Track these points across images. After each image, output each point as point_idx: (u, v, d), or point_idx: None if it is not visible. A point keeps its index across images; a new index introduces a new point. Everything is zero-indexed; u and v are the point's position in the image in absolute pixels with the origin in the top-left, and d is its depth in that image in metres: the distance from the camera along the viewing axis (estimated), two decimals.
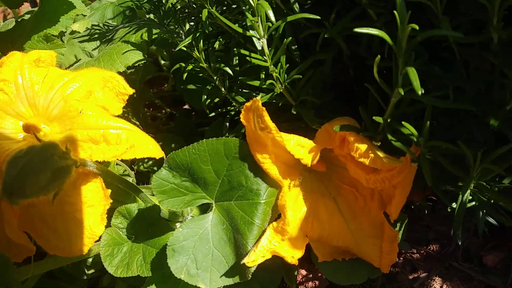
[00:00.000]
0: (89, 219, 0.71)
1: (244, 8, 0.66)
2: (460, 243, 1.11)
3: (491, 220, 0.78)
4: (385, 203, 0.78)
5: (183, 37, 1.04)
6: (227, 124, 0.90)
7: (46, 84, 0.76)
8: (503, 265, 1.04)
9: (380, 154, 0.66)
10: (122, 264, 0.85)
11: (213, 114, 0.89)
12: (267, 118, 0.63)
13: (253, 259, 0.67)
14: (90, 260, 1.02)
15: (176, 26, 1.07)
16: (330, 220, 0.82)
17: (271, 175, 0.71)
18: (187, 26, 1.11)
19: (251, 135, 0.69)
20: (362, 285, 1.14)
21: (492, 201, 0.71)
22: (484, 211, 0.73)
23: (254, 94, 0.80)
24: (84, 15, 1.37)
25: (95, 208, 0.72)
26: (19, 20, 0.88)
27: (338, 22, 0.71)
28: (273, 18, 0.62)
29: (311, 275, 1.19)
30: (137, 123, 1.54)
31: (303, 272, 1.21)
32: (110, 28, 1.06)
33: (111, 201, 0.75)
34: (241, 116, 0.68)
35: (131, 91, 0.83)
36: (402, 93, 0.56)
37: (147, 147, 0.76)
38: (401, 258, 1.16)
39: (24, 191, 0.47)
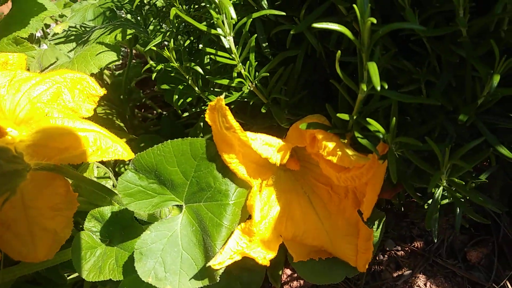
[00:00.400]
0: (55, 223, 0.70)
1: (208, 6, 0.64)
2: (438, 240, 1.11)
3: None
4: (359, 201, 0.76)
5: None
6: (201, 124, 0.89)
7: (12, 86, 0.75)
8: (487, 261, 1.02)
9: (349, 151, 0.64)
10: (95, 268, 0.84)
11: (186, 114, 0.87)
12: (230, 117, 0.62)
13: (220, 261, 0.66)
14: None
15: (158, 26, 1.06)
16: (304, 219, 0.81)
17: (238, 175, 0.69)
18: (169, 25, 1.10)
19: (218, 135, 0.67)
20: (346, 283, 1.13)
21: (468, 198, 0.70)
22: (460, 207, 0.72)
23: (227, 93, 0.79)
24: (63, 16, 1.35)
25: (61, 212, 0.71)
26: None
27: (307, 16, 0.70)
28: (234, 15, 0.60)
29: (295, 275, 1.17)
30: (122, 124, 1.53)
31: (288, 271, 1.20)
32: (87, 29, 1.04)
33: (79, 204, 0.73)
34: (206, 115, 0.66)
35: (102, 92, 0.82)
36: (365, 89, 0.55)
37: (116, 149, 0.74)
38: (385, 256, 1.14)
39: None
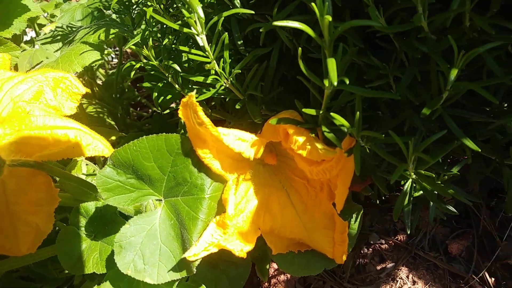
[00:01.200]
0: (37, 218, 0.72)
1: (180, 5, 0.66)
2: (421, 233, 1.12)
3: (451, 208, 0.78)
4: (334, 194, 0.78)
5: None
6: (182, 121, 0.91)
7: None
8: (467, 253, 1.04)
9: (318, 145, 0.66)
10: (79, 262, 0.86)
11: (167, 111, 0.89)
12: (201, 113, 0.64)
13: (194, 252, 0.68)
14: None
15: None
16: (282, 213, 0.83)
17: (213, 170, 0.71)
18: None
19: (191, 130, 0.69)
20: (332, 276, 1.15)
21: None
22: (432, 200, 0.73)
23: (205, 90, 0.81)
24: (54, 16, 1.37)
25: (43, 207, 0.73)
26: None
27: (277, 15, 0.71)
28: (202, 15, 0.62)
29: None
30: (112, 123, 1.55)
31: (275, 265, 1.22)
32: (73, 29, 1.06)
33: (60, 200, 0.76)
34: (179, 112, 0.68)
35: (84, 90, 0.84)
36: (327, 84, 0.56)
37: (96, 145, 0.76)
38: (370, 249, 1.16)
39: None
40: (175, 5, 0.86)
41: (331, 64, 0.52)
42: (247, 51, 0.79)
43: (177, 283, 0.78)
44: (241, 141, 0.69)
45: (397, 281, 1.06)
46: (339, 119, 0.60)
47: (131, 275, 0.72)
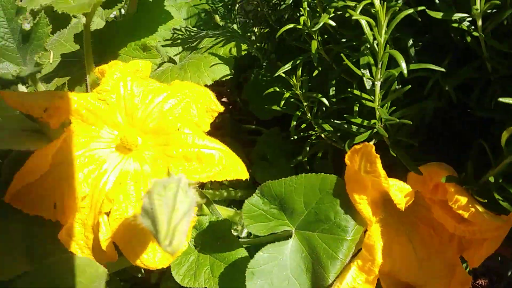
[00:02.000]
0: None
1: (365, 51, 0.66)
2: (504, 281, 1.13)
3: None
4: (464, 247, 0.79)
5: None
6: (308, 148, 0.91)
7: (145, 97, 0.77)
8: None
9: (480, 209, 0.66)
10: (189, 274, 0.87)
11: (295, 137, 0.90)
12: (379, 165, 0.64)
13: None
14: None
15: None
16: (402, 257, 0.83)
17: (364, 214, 0.71)
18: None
19: (352, 175, 0.70)
20: None
21: None
22: None
23: (346, 126, 0.80)
24: None
25: None
26: (109, 21, 0.88)
27: (458, 72, 0.70)
28: (405, 70, 0.62)
29: None
30: None
31: None
32: (192, 33, 1.05)
33: (197, 217, 0.77)
34: (346, 156, 0.68)
35: (221, 108, 0.83)
36: None
37: (236, 168, 0.76)
38: None
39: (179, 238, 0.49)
40: (326, 36, 0.85)
41: None
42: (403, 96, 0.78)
43: None
44: (399, 192, 0.69)
45: None
46: None
47: None
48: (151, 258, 0.73)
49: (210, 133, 1.69)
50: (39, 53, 0.83)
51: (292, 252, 0.76)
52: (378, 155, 0.64)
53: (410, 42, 0.70)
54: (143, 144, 0.78)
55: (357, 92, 0.71)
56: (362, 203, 0.70)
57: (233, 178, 0.77)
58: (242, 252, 0.86)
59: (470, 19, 0.63)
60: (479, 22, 0.61)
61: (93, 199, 0.72)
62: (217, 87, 1.81)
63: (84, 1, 0.80)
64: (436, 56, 0.72)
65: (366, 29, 0.62)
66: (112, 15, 1.13)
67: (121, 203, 0.72)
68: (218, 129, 1.58)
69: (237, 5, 1.22)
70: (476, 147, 0.68)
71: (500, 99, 0.53)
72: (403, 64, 0.61)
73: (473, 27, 0.63)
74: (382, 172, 0.64)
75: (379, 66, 0.65)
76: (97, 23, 1.04)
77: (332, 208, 0.73)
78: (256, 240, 0.87)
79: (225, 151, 0.77)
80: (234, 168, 0.76)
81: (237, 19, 1.22)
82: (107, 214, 0.72)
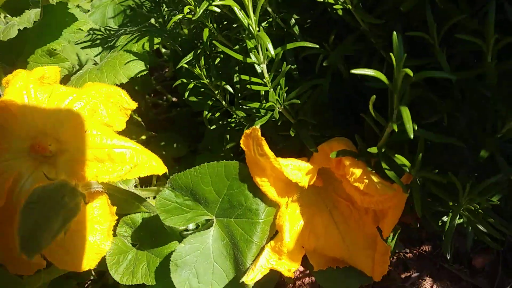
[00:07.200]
0: (96, 236, 0.75)
1: (244, 35, 0.67)
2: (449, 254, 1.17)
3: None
4: (379, 218, 0.81)
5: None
6: (228, 136, 0.93)
7: (51, 103, 0.78)
8: (491, 268, 1.09)
9: (375, 179, 0.69)
10: (128, 272, 0.89)
11: (214, 127, 0.91)
12: (266, 147, 0.66)
13: (252, 277, 0.71)
14: None
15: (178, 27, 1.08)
16: (326, 233, 0.86)
17: (269, 196, 0.74)
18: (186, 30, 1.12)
19: (251, 159, 0.72)
20: None
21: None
22: (472, 229, 0.77)
23: (254, 111, 0.82)
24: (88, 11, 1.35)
25: (101, 225, 0.76)
26: (21, 29, 0.89)
27: (338, 46, 0.72)
28: (272, 52, 0.63)
29: (307, 271, 1.24)
30: (139, 119, 1.56)
31: (301, 268, 1.26)
32: (112, 32, 1.06)
33: (117, 217, 0.78)
34: (241, 142, 0.70)
35: (134, 105, 0.85)
36: (396, 129, 0.58)
37: (151, 164, 0.78)
38: (394, 257, 1.21)
39: (39, 245, 0.50)
40: (225, 22, 0.86)
41: (406, 114, 0.54)
42: (298, 75, 0.80)
43: None
44: (297, 171, 0.71)
45: None
46: (401, 159, 0.62)
47: None
48: (75, 261, 0.76)
49: (163, 128, 1.68)
50: None
51: (214, 240, 0.79)
52: (263, 138, 0.65)
53: (293, 20, 0.71)
54: (56, 151, 0.79)
55: (245, 77, 0.72)
56: (265, 185, 0.72)
57: (148, 174, 0.79)
58: (175, 245, 0.88)
59: None
60: None
61: (8, 211, 0.74)
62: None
63: None
64: (324, 33, 0.73)
65: (238, 13, 0.63)
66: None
67: None
68: (172, 124, 1.59)
69: None
70: (366, 120, 0.69)
71: (353, 71, 0.55)
72: (269, 46, 0.62)
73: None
74: (270, 154, 0.66)
75: (259, 49, 0.66)
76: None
77: (242, 193, 0.75)
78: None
79: (136, 148, 0.78)
80: (149, 164, 0.78)
81: (169, 12, 1.22)
82: None
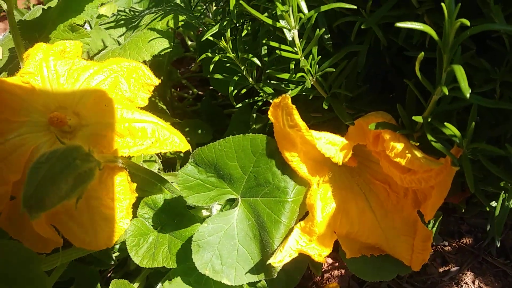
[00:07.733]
0: (116, 213, 0.71)
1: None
2: (488, 238, 1.07)
3: None
4: (420, 201, 0.74)
5: (211, 16, 1.01)
6: (254, 115, 0.87)
7: (71, 76, 0.75)
8: None
9: (418, 154, 0.62)
10: (148, 255, 0.85)
11: (240, 105, 0.86)
12: (297, 116, 0.60)
13: (280, 259, 0.66)
14: (117, 246, 1.04)
15: (203, 8, 1.04)
16: (360, 217, 0.79)
17: (299, 173, 0.68)
18: (213, 7, 1.08)
19: (279, 132, 0.66)
20: None
21: None
22: None
23: (283, 86, 0.77)
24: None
25: (121, 202, 0.72)
26: (46, 8, 0.87)
27: (376, 10, 0.66)
28: (305, 10, 0.58)
29: (337, 264, 1.17)
30: (164, 107, 1.54)
31: (329, 260, 1.20)
32: (136, 13, 1.03)
33: (137, 194, 0.74)
34: (269, 112, 0.65)
35: (157, 81, 0.81)
36: (447, 93, 0.52)
37: (173, 140, 0.74)
38: (431, 250, 1.12)
39: (43, 203, 0.47)
40: None
41: (460, 73, 0.47)
42: (333, 46, 0.74)
43: None
44: (331, 145, 0.65)
45: (461, 285, 1.02)
46: (452, 129, 0.55)
47: (209, 275, 0.71)
48: (93, 239, 0.72)
49: (188, 117, 1.65)
50: None
51: (239, 221, 0.74)
52: (294, 106, 0.60)
53: None
54: (75, 125, 0.76)
55: (274, 44, 0.66)
56: (295, 161, 0.67)
57: (170, 150, 0.75)
58: (197, 228, 0.84)
59: None
60: None
61: None
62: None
63: None
64: (361, 1, 0.67)
65: None
66: None
67: None
68: (198, 116, 1.57)
69: None
70: (411, 92, 0.63)
71: (398, 24, 0.48)
72: (303, 4, 0.56)
73: None
74: (302, 124, 0.60)
75: (290, 12, 0.61)
76: None
77: (269, 169, 0.70)
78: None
79: (158, 123, 0.75)
80: (171, 140, 0.74)
81: None
82: None
